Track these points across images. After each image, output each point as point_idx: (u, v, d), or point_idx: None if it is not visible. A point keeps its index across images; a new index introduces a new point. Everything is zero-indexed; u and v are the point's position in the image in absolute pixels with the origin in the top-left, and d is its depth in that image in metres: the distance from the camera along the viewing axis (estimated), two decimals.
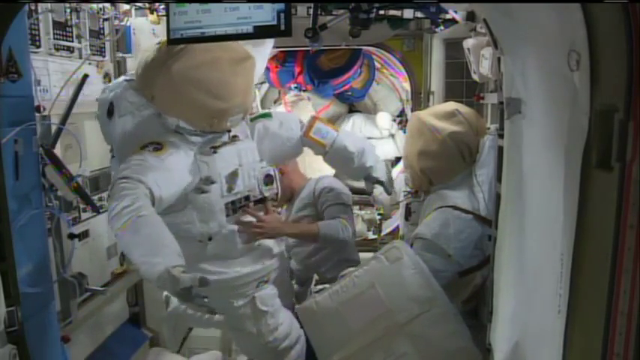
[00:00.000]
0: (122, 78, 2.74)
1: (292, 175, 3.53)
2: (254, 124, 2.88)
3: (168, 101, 2.51)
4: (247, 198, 2.71)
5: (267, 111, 3.12)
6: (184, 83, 2.44)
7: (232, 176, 2.60)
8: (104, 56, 3.49)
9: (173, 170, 2.38)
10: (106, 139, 2.78)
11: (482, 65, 2.95)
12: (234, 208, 2.65)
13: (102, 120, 2.70)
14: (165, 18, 2.90)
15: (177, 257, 2.10)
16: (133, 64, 3.83)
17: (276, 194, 2.85)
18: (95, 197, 3.34)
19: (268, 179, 2.79)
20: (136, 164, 2.30)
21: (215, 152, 2.54)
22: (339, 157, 3.00)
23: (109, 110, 2.60)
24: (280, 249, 2.96)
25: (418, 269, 2.42)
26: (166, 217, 2.38)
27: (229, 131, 2.68)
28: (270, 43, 3.52)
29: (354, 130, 5.92)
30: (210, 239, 2.59)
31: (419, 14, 3.14)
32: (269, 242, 2.83)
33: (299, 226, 3.30)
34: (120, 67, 3.72)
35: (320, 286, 2.60)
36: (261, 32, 2.62)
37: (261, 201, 2.80)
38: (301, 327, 2.87)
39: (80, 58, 3.15)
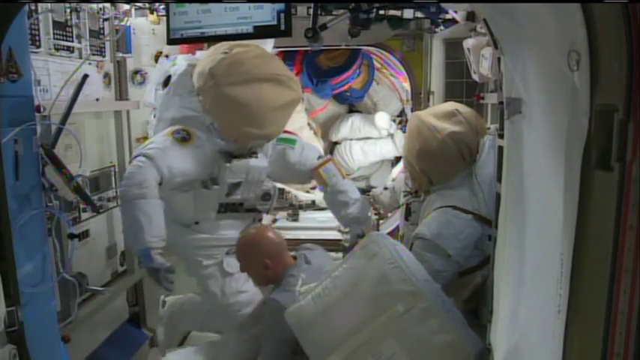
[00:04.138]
0: (187, 60, 3.10)
1: (276, 268, 2.71)
2: (276, 145, 3.11)
3: (208, 106, 2.85)
4: (241, 204, 3.02)
5: (294, 137, 3.20)
6: (225, 102, 2.78)
7: (235, 186, 2.94)
8: (104, 56, 3.49)
9: (189, 163, 2.77)
10: (155, 102, 3.21)
11: (482, 65, 2.95)
12: (227, 209, 3.00)
13: (156, 85, 3.15)
14: (165, 18, 2.91)
15: (160, 241, 2.60)
16: (132, 63, 3.85)
17: (268, 210, 3.21)
18: (95, 197, 3.34)
19: (266, 196, 3.09)
20: (160, 148, 2.70)
21: (229, 163, 2.88)
22: (336, 199, 3.13)
23: (165, 81, 3.03)
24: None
25: (399, 262, 2.30)
26: (171, 194, 2.84)
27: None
28: (270, 43, 3.53)
29: (352, 131, 5.92)
30: (196, 223, 3.00)
31: (419, 14, 3.14)
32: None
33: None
34: (120, 67, 3.72)
35: (306, 287, 2.51)
36: (261, 32, 2.62)
37: (253, 210, 3.10)
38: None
39: (80, 58, 3.15)
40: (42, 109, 2.49)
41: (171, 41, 2.79)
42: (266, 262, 2.66)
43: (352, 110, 6.35)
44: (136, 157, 2.72)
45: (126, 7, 3.49)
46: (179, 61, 3.12)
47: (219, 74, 2.76)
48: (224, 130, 2.87)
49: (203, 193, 2.89)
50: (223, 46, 2.90)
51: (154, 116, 3.20)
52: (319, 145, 5.98)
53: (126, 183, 2.64)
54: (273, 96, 2.82)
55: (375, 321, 2.25)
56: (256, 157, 3.00)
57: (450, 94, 4.16)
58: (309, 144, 3.33)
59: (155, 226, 2.60)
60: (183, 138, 2.78)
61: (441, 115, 2.94)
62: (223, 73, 2.77)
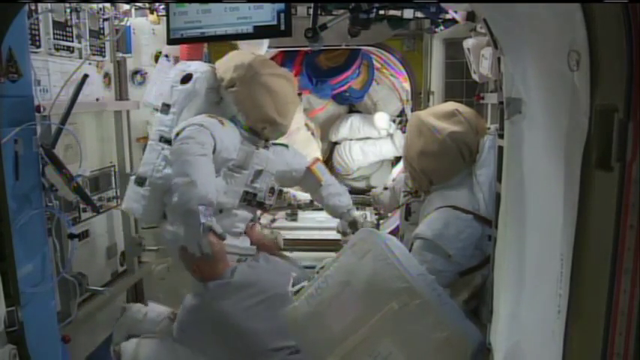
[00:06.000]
0: (206, 64, 3.35)
1: (202, 274, 2.94)
2: (275, 146, 3.40)
3: (244, 94, 3.05)
4: (255, 196, 3.17)
5: (286, 143, 3.56)
6: (264, 89, 3.05)
7: (258, 173, 3.16)
8: (104, 56, 3.49)
9: (229, 141, 2.94)
10: (167, 98, 3.23)
11: (482, 65, 2.95)
12: (245, 197, 3.14)
13: (173, 82, 3.23)
14: (165, 18, 2.91)
15: (214, 198, 2.62)
16: (132, 63, 3.85)
17: (270, 205, 3.35)
18: (95, 197, 3.34)
19: (272, 190, 3.28)
20: (209, 123, 2.86)
21: (257, 149, 3.14)
22: (331, 191, 3.51)
23: (185, 78, 3.16)
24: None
25: (390, 258, 2.25)
26: None
27: (267, 140, 3.25)
28: (265, 43, 3.58)
29: (352, 131, 5.91)
30: (220, 211, 3.00)
31: (419, 14, 3.14)
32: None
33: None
34: (120, 67, 3.72)
35: (298, 286, 2.49)
36: (261, 32, 2.62)
37: (260, 205, 3.21)
38: None
39: (80, 58, 3.15)
40: (42, 109, 2.49)
41: (171, 41, 2.79)
42: (194, 268, 2.90)
43: (352, 110, 6.34)
44: (185, 127, 2.82)
45: (126, 7, 3.49)
46: (194, 64, 3.31)
47: (257, 66, 3.07)
48: (256, 116, 3.07)
49: (234, 177, 3.04)
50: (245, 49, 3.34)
51: (159, 111, 3.24)
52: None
53: (186, 140, 2.70)
54: (288, 91, 3.18)
55: (370, 320, 2.23)
56: (269, 150, 3.27)
57: (450, 94, 4.15)
58: (296, 149, 3.71)
59: (213, 182, 2.68)
60: (220, 121, 2.96)
61: (440, 115, 2.94)
62: (260, 63, 3.10)
